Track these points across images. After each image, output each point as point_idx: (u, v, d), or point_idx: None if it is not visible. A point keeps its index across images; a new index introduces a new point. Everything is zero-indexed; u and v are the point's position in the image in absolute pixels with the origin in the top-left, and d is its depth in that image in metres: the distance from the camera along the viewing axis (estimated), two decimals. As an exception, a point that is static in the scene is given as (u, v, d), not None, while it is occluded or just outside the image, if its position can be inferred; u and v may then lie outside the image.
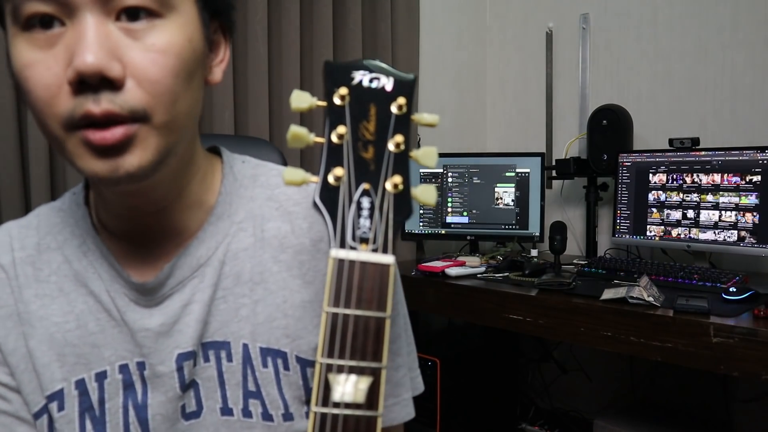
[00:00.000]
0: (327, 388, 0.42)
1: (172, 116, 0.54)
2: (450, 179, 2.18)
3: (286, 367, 0.64)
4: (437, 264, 1.91)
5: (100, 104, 0.50)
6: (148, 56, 0.52)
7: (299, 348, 0.64)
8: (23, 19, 0.51)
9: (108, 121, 0.51)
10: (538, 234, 2.10)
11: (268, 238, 0.65)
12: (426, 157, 0.44)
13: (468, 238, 2.19)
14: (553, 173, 2.23)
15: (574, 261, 2.01)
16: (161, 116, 0.53)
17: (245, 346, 0.63)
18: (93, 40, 0.49)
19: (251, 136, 1.81)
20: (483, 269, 1.91)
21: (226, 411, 0.62)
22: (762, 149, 1.67)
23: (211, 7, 0.59)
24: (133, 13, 0.52)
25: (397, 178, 0.43)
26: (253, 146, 1.12)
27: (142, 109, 0.52)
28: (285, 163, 1.09)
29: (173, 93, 0.53)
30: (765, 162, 1.66)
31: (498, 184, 2.14)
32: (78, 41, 0.50)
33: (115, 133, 0.51)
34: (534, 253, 2.11)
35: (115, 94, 0.50)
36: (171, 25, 0.53)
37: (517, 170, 2.12)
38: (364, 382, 0.42)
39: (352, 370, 0.42)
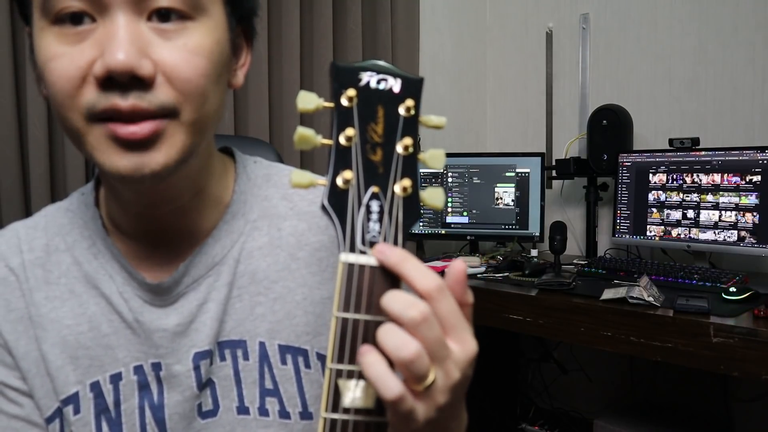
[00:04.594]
0: (337, 394, 0.41)
1: (199, 115, 0.54)
2: (450, 179, 2.18)
3: (307, 365, 0.64)
4: (437, 264, 1.91)
5: (128, 100, 0.50)
6: (179, 55, 0.52)
7: (320, 345, 0.64)
8: (53, 14, 0.51)
9: (134, 116, 0.50)
10: (538, 234, 2.09)
11: (285, 237, 0.66)
12: (433, 159, 0.44)
13: (468, 238, 2.18)
14: (553, 173, 2.23)
15: (574, 261, 2.01)
16: (189, 114, 0.53)
17: (262, 344, 0.63)
18: (125, 37, 0.49)
19: (251, 136, 1.80)
20: (483, 269, 1.91)
21: (242, 410, 0.62)
22: (762, 149, 1.68)
23: (237, 13, 0.59)
24: (164, 15, 0.52)
25: (406, 182, 0.43)
26: (251, 146, 1.12)
27: (171, 105, 0.52)
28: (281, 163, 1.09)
29: (203, 93, 0.53)
30: (765, 162, 1.67)
31: (498, 184, 2.13)
32: (109, 38, 0.49)
33: (144, 127, 0.51)
34: (534, 253, 2.11)
35: (145, 92, 0.50)
36: (201, 28, 0.54)
37: (517, 170, 2.11)
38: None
39: (362, 375, 0.41)
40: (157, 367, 0.62)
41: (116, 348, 0.62)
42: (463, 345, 0.42)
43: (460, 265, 0.43)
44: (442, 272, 1.60)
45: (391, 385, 0.39)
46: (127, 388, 0.61)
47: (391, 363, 0.40)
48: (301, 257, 0.65)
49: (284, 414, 0.63)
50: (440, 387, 0.41)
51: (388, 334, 0.40)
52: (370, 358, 0.40)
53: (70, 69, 0.50)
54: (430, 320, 0.40)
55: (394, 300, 0.40)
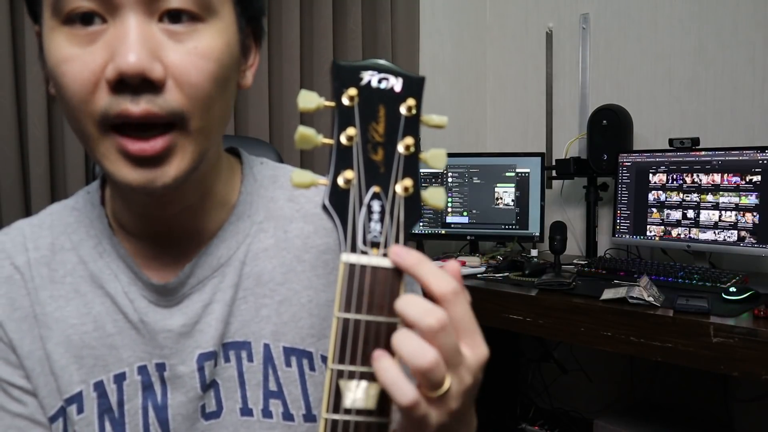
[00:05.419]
0: (338, 395, 0.41)
1: (207, 121, 0.54)
2: (450, 179, 2.18)
3: (312, 368, 0.64)
4: (437, 264, 1.90)
5: (139, 104, 0.50)
6: (189, 59, 0.52)
7: (325, 347, 0.64)
8: (64, 14, 0.51)
9: (145, 122, 0.50)
10: (538, 234, 2.09)
11: (291, 239, 0.66)
12: (435, 159, 0.44)
13: (468, 238, 2.18)
14: (553, 173, 2.23)
15: (574, 261, 2.00)
16: (197, 121, 0.53)
17: (266, 346, 0.63)
18: (136, 40, 0.49)
19: (251, 136, 1.80)
20: (483, 269, 1.91)
21: (246, 411, 0.62)
22: (762, 149, 1.67)
23: (247, 13, 0.59)
24: (175, 16, 0.52)
25: (408, 181, 0.43)
26: (251, 146, 1.12)
27: (180, 111, 0.51)
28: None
29: (210, 97, 0.53)
30: (765, 162, 1.67)
31: (498, 184, 2.13)
32: (120, 40, 0.49)
33: (155, 145, 0.51)
34: (534, 253, 2.11)
35: (155, 95, 0.50)
36: (211, 30, 0.53)
37: (517, 170, 2.11)
38: (375, 389, 0.41)
39: (363, 376, 0.41)
40: (161, 367, 0.62)
41: (121, 348, 0.62)
42: (475, 350, 0.42)
43: (454, 266, 0.43)
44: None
45: (407, 391, 0.39)
46: (130, 388, 0.61)
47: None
48: (306, 260, 0.65)
49: (288, 416, 0.62)
50: (454, 393, 0.41)
51: (405, 340, 0.40)
52: (384, 363, 0.40)
53: (83, 73, 0.50)
54: (448, 328, 0.40)
55: (410, 305, 0.40)
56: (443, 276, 0.41)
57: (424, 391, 0.40)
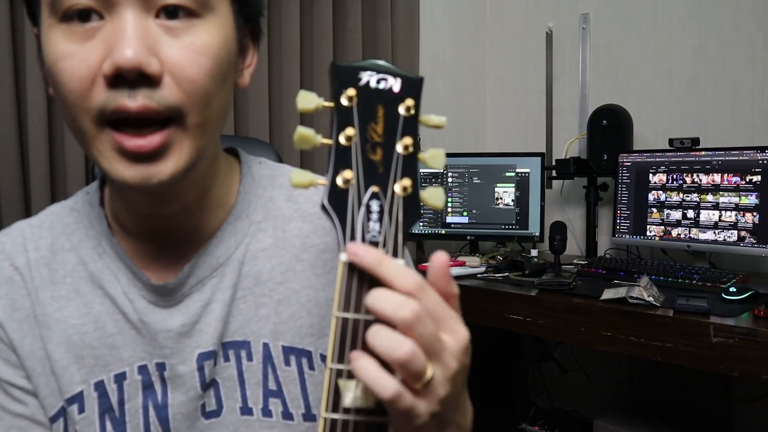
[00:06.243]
0: (337, 394, 0.41)
1: (205, 117, 0.54)
2: (450, 179, 2.18)
3: (311, 367, 0.64)
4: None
5: (137, 99, 0.50)
6: (186, 55, 0.52)
7: (324, 346, 0.64)
8: (62, 11, 0.51)
9: (143, 118, 0.50)
10: (538, 234, 2.09)
11: (290, 238, 0.66)
12: (434, 159, 0.44)
13: (468, 238, 2.18)
14: (553, 173, 2.23)
15: (574, 261, 2.01)
16: (195, 117, 0.53)
17: (265, 345, 0.63)
18: (133, 35, 0.49)
19: (251, 136, 1.80)
20: (483, 269, 1.91)
21: (246, 410, 0.62)
22: (762, 149, 1.68)
23: (244, 12, 0.59)
24: (171, 12, 0.52)
25: (406, 181, 0.43)
26: (250, 146, 1.12)
27: (177, 107, 0.51)
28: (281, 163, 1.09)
29: (208, 94, 0.53)
30: (765, 162, 1.67)
31: (498, 184, 2.13)
32: (117, 36, 0.49)
33: (152, 141, 0.51)
34: (534, 253, 2.11)
35: (152, 90, 0.50)
36: (208, 26, 0.54)
37: (517, 170, 2.11)
38: None
39: None
40: (161, 367, 0.62)
41: (121, 348, 0.62)
42: (455, 335, 0.42)
43: (441, 257, 0.43)
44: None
45: (387, 384, 0.39)
46: (131, 387, 0.62)
47: (384, 362, 0.40)
48: (305, 259, 0.65)
49: (287, 415, 0.63)
50: (440, 380, 0.41)
51: (378, 335, 0.39)
52: (361, 362, 0.40)
53: (80, 69, 0.50)
54: (423, 318, 0.40)
55: (382, 300, 0.40)
56: (404, 272, 0.41)
57: (408, 382, 0.40)
